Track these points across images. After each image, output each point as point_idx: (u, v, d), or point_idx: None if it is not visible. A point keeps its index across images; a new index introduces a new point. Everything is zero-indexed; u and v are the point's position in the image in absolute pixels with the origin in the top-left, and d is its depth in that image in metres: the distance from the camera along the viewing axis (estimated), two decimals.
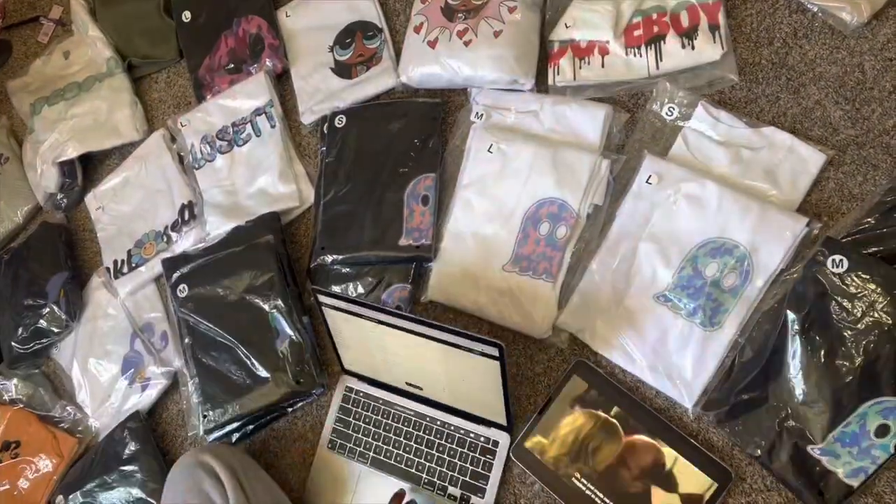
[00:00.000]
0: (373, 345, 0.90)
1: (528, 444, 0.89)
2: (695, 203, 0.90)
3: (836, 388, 0.78)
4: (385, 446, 0.95)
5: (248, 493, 0.85)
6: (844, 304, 0.79)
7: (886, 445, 0.76)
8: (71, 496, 1.06)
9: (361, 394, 0.98)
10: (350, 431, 0.97)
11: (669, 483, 0.82)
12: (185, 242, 1.16)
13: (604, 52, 1.03)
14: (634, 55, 1.01)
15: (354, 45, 1.19)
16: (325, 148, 1.13)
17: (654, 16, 1.02)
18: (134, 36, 1.36)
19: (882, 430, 0.76)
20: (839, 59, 0.95)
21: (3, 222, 1.34)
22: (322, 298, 0.88)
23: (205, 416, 1.02)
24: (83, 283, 1.23)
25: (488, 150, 1.02)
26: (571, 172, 0.96)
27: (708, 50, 0.98)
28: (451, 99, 1.12)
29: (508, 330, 0.96)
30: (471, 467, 0.90)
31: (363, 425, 0.97)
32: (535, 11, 1.08)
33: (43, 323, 1.17)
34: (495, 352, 0.77)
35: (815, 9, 0.98)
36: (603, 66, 1.03)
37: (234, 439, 1.02)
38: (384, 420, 0.96)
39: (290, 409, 1.03)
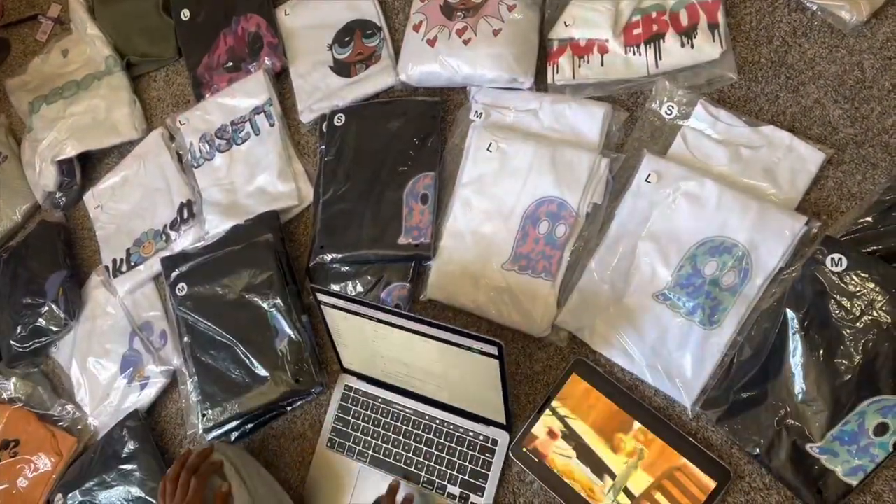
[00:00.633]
0: (372, 344, 0.90)
1: (527, 443, 0.89)
2: (694, 202, 0.90)
3: (835, 386, 0.78)
4: (384, 445, 0.95)
5: (250, 490, 0.85)
6: (843, 302, 0.79)
7: (885, 444, 0.76)
8: (70, 495, 1.05)
9: (360, 392, 0.98)
10: (349, 430, 0.97)
11: (668, 481, 0.82)
12: (184, 241, 1.16)
13: (603, 50, 1.03)
14: (634, 54, 1.01)
15: (353, 44, 1.19)
16: (324, 146, 1.13)
17: (654, 14, 1.02)
18: (133, 34, 1.36)
19: (881, 429, 0.76)
20: (838, 57, 0.95)
21: (2, 221, 1.34)
22: (321, 297, 0.88)
23: (204, 415, 1.02)
24: (82, 282, 1.23)
25: (487, 149, 1.02)
26: (571, 171, 0.96)
27: (707, 48, 0.98)
28: (451, 97, 1.12)
29: (508, 328, 0.96)
30: (470, 466, 0.90)
31: (362, 424, 0.97)
32: (534, 10, 1.08)
33: (42, 322, 1.17)
34: (494, 350, 0.77)
35: (815, 7, 0.98)
36: (602, 64, 1.03)
37: (233, 438, 1.02)
38: (383, 419, 0.96)
39: (289, 408, 1.03)
